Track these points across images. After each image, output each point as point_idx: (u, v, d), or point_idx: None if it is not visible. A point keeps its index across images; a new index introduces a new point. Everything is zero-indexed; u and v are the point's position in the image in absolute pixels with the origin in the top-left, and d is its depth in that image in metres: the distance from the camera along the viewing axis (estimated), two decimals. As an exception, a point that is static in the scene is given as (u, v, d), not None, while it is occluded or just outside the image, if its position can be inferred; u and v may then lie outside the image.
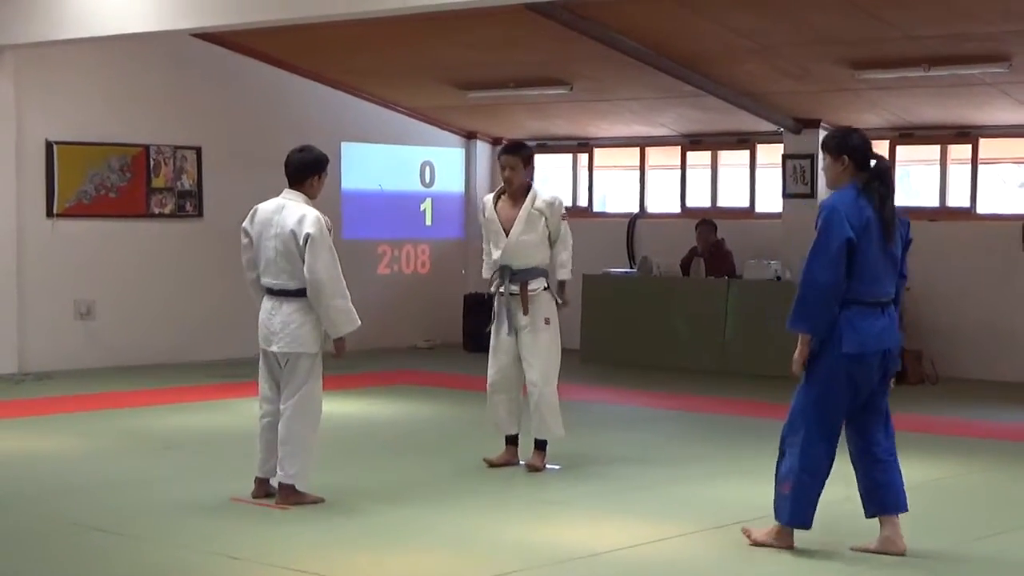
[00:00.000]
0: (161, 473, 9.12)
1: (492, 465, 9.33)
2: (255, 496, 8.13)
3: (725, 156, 16.79)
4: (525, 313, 9.13)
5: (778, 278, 14.96)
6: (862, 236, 6.76)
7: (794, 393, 7.02)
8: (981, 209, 15.05)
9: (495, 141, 18.36)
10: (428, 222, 18.00)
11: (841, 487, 7.26)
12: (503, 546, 7.21)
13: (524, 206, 9.22)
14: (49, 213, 14.53)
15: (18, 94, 14.19)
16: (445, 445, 10.53)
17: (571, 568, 6.82)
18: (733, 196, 16.75)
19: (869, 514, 7.08)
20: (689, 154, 16.97)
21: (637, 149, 17.43)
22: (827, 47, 13.09)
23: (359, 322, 8.09)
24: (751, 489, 8.69)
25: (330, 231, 7.97)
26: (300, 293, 7.95)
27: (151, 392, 12.81)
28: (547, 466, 9.32)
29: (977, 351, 14.78)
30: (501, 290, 9.17)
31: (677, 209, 17.08)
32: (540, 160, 18.13)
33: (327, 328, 8.00)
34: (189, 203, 15.51)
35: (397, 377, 14.51)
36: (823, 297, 6.76)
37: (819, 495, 6.96)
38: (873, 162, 6.95)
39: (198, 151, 15.58)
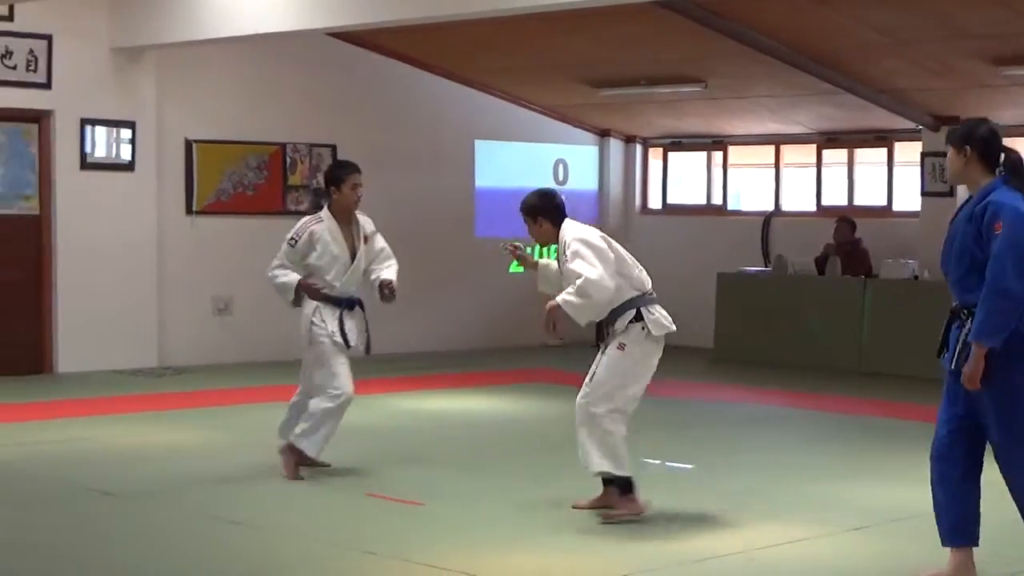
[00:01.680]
0: (305, 469, 9.20)
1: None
2: None
3: (862, 154, 16.59)
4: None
5: (916, 277, 14.74)
6: None
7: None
8: None
9: (628, 139, 18.30)
10: (561, 220, 17.96)
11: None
12: (634, 546, 7.18)
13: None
14: (188, 211, 14.76)
15: (159, 94, 14.43)
16: (575, 443, 10.50)
17: (703, 568, 6.77)
18: (870, 194, 16.54)
19: None
20: (825, 152, 16.79)
21: (772, 147, 17.28)
22: (967, 42, 12.87)
23: None
24: (886, 490, 8.59)
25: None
26: None
27: (287, 388, 12.92)
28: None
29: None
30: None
31: (812, 207, 16.90)
32: (673, 158, 18.11)
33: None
34: (325, 200, 15.60)
35: (529, 375, 14.53)
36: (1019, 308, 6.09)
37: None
38: (1003, 155, 6.36)
39: (333, 149, 15.72)
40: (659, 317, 7.83)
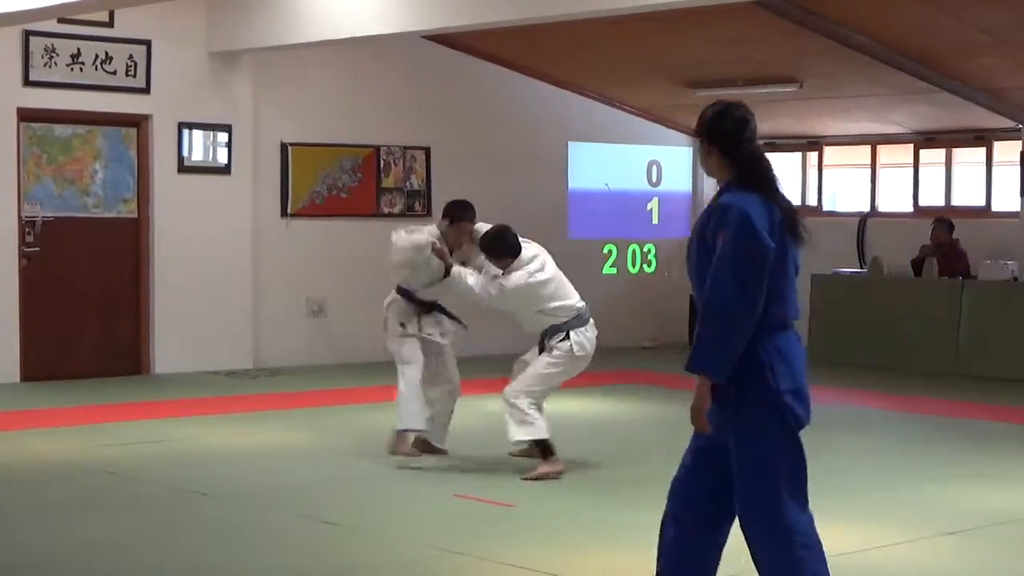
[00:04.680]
0: (386, 468, 9.24)
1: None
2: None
3: (960, 153, 16.39)
4: None
5: (1015, 279, 14.55)
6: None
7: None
8: None
9: (723, 140, 18.19)
10: (655, 221, 17.94)
11: None
12: (728, 547, 7.13)
13: None
14: (283, 213, 14.88)
15: (255, 97, 14.57)
16: (668, 446, 10.46)
17: (797, 572, 6.71)
18: (968, 194, 16.33)
19: None
20: (922, 152, 16.60)
21: (868, 147, 17.12)
22: (1068, 40, 12.70)
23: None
24: (984, 494, 8.48)
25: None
26: None
27: (380, 389, 12.99)
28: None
29: None
30: None
31: (909, 208, 16.72)
32: (768, 158, 17.97)
33: None
34: (418, 203, 15.73)
35: (623, 376, 14.49)
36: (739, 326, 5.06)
37: None
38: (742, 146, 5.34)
39: (427, 151, 15.79)
40: (583, 340, 9.19)
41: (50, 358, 13.51)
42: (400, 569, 6.79)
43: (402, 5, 12.28)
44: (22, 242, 13.38)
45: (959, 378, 14.34)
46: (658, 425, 11.55)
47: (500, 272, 9.07)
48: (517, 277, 8.95)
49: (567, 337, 9.10)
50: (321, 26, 12.91)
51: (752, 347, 5.04)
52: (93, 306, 13.83)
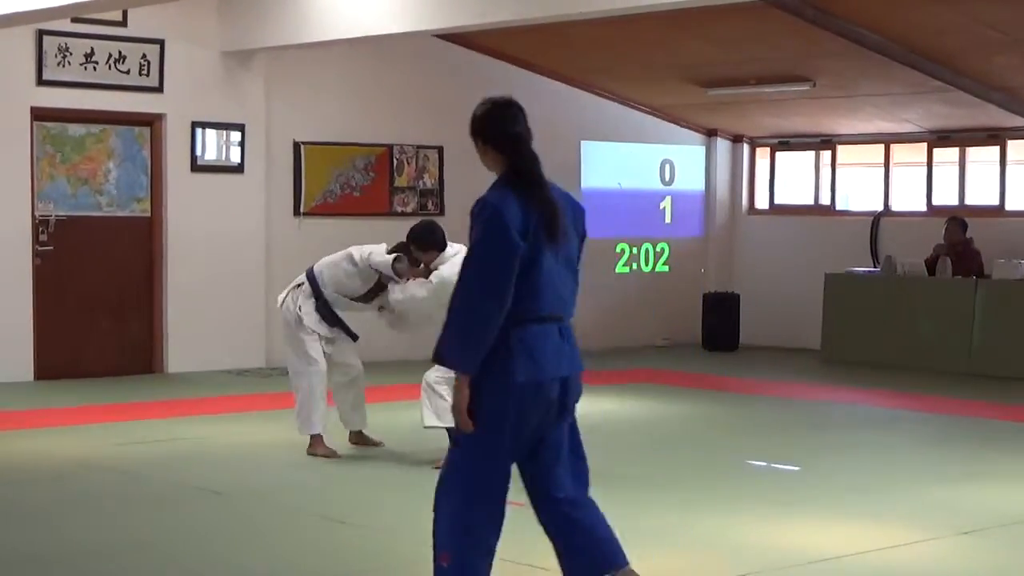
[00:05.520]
0: (401, 467, 9.24)
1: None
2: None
3: (974, 152, 16.35)
4: None
5: (1029, 278, 14.53)
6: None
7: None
8: None
9: (736, 139, 18.20)
10: (668, 220, 17.93)
11: None
12: (744, 547, 7.14)
13: None
14: (296, 212, 14.90)
15: (268, 96, 14.59)
16: (682, 445, 10.47)
17: (814, 570, 6.71)
18: (982, 193, 16.29)
19: None
20: (936, 150, 16.56)
21: (881, 146, 17.08)
22: (1083, 39, 12.66)
23: None
24: (997, 494, 8.46)
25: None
26: None
27: (390, 388, 12.99)
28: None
29: None
30: None
31: (922, 207, 16.69)
32: (781, 158, 17.97)
33: None
34: (431, 202, 15.74)
35: (636, 375, 14.49)
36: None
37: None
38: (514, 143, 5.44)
39: (440, 150, 15.80)
40: None
41: (63, 357, 13.54)
42: (413, 568, 6.77)
43: (415, 4, 12.28)
44: (36, 241, 13.41)
45: (973, 377, 14.31)
46: (671, 424, 11.54)
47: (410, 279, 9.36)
48: (451, 267, 8.98)
49: None
50: (334, 25, 12.92)
51: (501, 339, 5.18)
52: (106, 305, 13.86)
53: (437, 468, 8.57)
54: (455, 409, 5.23)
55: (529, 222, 5.21)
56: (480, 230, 5.18)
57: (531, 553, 6.89)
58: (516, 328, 5.20)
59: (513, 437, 5.28)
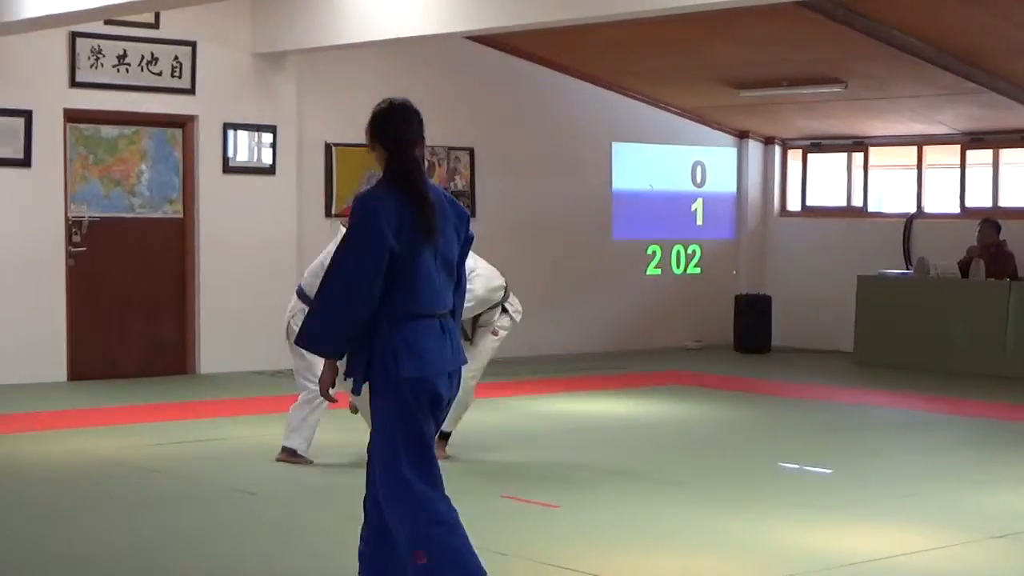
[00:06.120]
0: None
1: None
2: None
3: (1007, 154, 16.27)
4: None
5: (1063, 280, 14.45)
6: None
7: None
8: None
9: (768, 140, 18.16)
10: (699, 222, 17.90)
11: None
12: (778, 550, 7.11)
13: None
14: (328, 213, 14.91)
15: (300, 98, 14.61)
16: (714, 447, 10.45)
17: (847, 574, 6.67)
18: (1015, 195, 16.22)
19: None
20: (969, 152, 16.49)
21: (914, 148, 17.02)
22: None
23: None
24: (1033, 498, 8.41)
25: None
26: None
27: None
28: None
29: None
30: None
31: (956, 209, 16.62)
32: (813, 159, 17.92)
33: None
34: (462, 203, 15.68)
35: (667, 377, 14.46)
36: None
37: None
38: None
39: (471, 152, 15.81)
40: (518, 307, 9.67)
41: (97, 357, 13.59)
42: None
43: (445, 6, 12.29)
44: (69, 242, 13.47)
45: (1007, 380, 14.24)
46: (702, 426, 11.51)
47: None
48: (478, 261, 9.30)
49: (504, 311, 9.57)
50: (365, 27, 12.94)
51: (381, 337, 5.37)
52: (139, 306, 13.91)
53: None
54: (320, 383, 5.55)
55: (404, 221, 5.39)
56: (352, 225, 5.41)
57: (557, 554, 6.90)
58: (397, 325, 5.38)
59: (417, 428, 5.42)
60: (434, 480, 5.50)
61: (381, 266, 5.32)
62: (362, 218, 5.40)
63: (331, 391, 5.62)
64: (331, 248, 9.19)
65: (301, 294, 9.30)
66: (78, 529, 7.51)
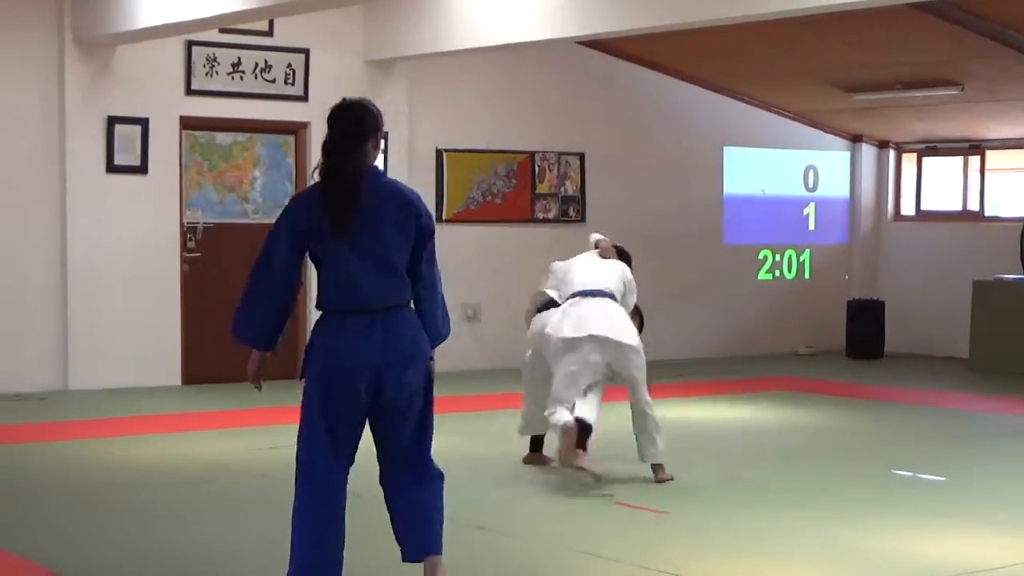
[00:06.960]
0: (545, 474, 9.25)
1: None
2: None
3: None
4: None
5: None
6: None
7: None
8: None
9: (881, 144, 17.96)
10: (811, 227, 17.74)
11: None
12: (890, 557, 7.03)
13: None
14: (438, 219, 14.96)
15: (411, 104, 14.69)
16: (826, 453, 10.35)
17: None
18: None
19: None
20: (1088, 155, 16.23)
21: (1032, 151, 16.78)
22: None
23: None
24: None
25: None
26: None
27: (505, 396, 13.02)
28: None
29: None
30: None
31: (1075, 212, 16.35)
32: (927, 163, 17.70)
33: None
34: (573, 208, 15.75)
35: (778, 383, 14.36)
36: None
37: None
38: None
39: (581, 157, 15.80)
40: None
41: (210, 361, 13.75)
42: (552, 574, 6.78)
43: (557, 12, 12.30)
44: (184, 248, 13.66)
45: None
46: (814, 432, 11.41)
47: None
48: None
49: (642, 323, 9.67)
50: (475, 34, 12.98)
51: (314, 330, 5.79)
52: (252, 311, 14.04)
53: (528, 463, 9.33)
54: (248, 369, 6.01)
55: (324, 218, 5.60)
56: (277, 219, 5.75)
57: (598, 544, 6.88)
58: (320, 320, 5.74)
59: (323, 418, 5.77)
60: (319, 477, 5.93)
61: (284, 263, 5.67)
62: (280, 216, 5.77)
63: (261, 382, 6.09)
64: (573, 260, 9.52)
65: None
66: (180, 530, 7.60)
